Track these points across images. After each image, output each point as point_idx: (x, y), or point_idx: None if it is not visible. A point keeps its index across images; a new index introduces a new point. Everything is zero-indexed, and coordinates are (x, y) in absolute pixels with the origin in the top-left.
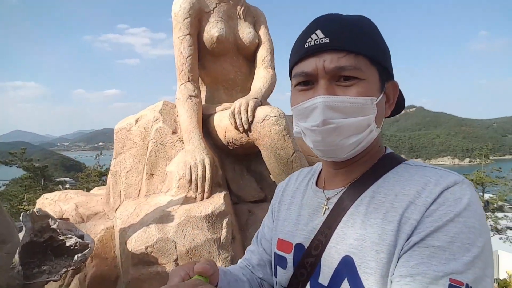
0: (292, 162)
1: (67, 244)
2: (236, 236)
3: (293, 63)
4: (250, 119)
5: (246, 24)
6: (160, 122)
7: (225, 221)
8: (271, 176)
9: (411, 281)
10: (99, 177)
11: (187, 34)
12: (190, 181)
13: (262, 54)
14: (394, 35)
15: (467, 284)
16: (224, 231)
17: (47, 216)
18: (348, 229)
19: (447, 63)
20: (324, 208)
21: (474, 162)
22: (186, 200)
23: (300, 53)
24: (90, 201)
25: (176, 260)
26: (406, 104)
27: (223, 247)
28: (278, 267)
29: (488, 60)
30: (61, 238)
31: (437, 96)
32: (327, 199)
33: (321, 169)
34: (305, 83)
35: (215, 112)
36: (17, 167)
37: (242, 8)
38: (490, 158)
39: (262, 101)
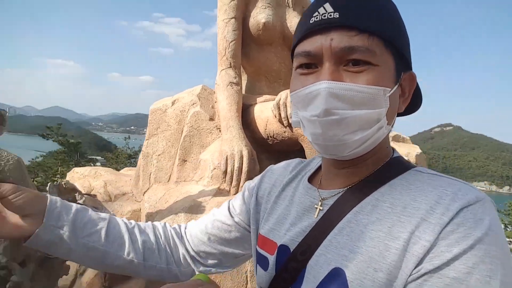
0: None
1: None
2: None
3: (295, 42)
4: None
5: (294, 13)
6: (198, 106)
7: None
8: None
9: None
10: (128, 159)
11: (232, 17)
12: (225, 172)
13: None
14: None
15: None
16: None
17: (74, 189)
18: (343, 238)
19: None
20: (318, 209)
21: None
22: (219, 192)
23: (304, 29)
24: (119, 180)
25: None
26: (443, 122)
27: None
28: (258, 266)
29: None
30: None
31: (476, 115)
32: (322, 199)
33: (319, 165)
34: (308, 65)
35: (256, 103)
36: (53, 141)
37: None
38: None
39: None
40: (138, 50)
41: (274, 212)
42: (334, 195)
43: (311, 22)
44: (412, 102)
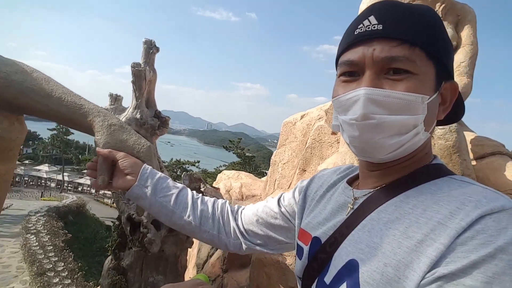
0: None
1: None
2: None
3: (340, 52)
4: None
5: (445, 23)
6: (323, 120)
7: None
8: None
9: None
10: None
11: None
12: None
13: (458, 58)
14: None
15: None
16: None
17: (200, 180)
18: (364, 234)
19: None
20: (349, 207)
21: None
22: None
23: (348, 40)
24: (253, 184)
25: None
26: None
27: None
28: (296, 256)
29: None
30: None
31: None
32: (355, 198)
33: None
34: (350, 73)
35: None
36: (233, 153)
37: (443, 5)
38: None
39: None
40: (316, 73)
41: (316, 209)
42: (365, 195)
43: (355, 33)
44: (454, 111)
